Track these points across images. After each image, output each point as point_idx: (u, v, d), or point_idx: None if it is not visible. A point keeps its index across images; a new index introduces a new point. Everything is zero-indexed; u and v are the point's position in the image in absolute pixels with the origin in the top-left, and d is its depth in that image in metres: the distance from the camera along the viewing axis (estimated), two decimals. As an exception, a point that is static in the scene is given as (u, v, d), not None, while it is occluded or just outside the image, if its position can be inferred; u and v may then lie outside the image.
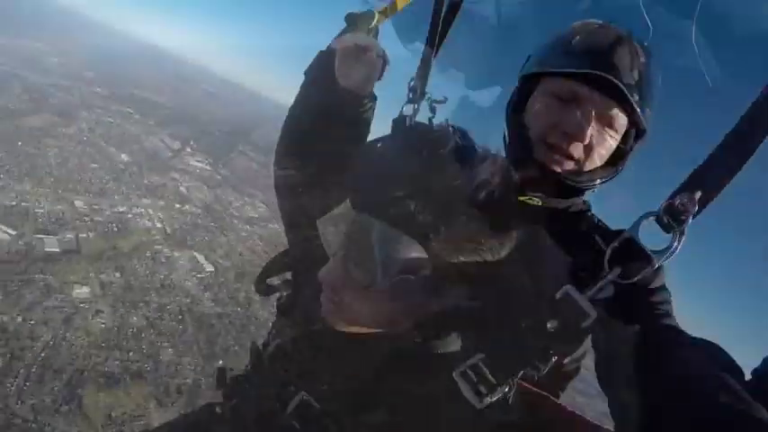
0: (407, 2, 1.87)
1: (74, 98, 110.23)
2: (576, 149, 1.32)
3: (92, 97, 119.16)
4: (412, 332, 1.13)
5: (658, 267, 1.04)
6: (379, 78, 1.54)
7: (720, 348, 0.92)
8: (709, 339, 0.96)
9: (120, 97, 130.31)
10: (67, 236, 57.45)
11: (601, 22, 1.40)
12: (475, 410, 0.96)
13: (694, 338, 0.96)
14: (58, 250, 54.14)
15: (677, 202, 0.96)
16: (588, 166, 1.36)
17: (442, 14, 1.56)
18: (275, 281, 1.64)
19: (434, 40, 1.56)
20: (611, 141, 1.35)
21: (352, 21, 1.72)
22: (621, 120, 1.32)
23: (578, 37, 1.34)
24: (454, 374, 0.98)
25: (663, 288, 1.18)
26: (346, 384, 1.16)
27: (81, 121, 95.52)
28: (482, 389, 0.96)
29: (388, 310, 1.12)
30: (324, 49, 1.58)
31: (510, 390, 0.97)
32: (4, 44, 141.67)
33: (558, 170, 1.34)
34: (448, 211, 1.02)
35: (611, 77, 1.23)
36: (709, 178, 0.97)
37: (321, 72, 1.52)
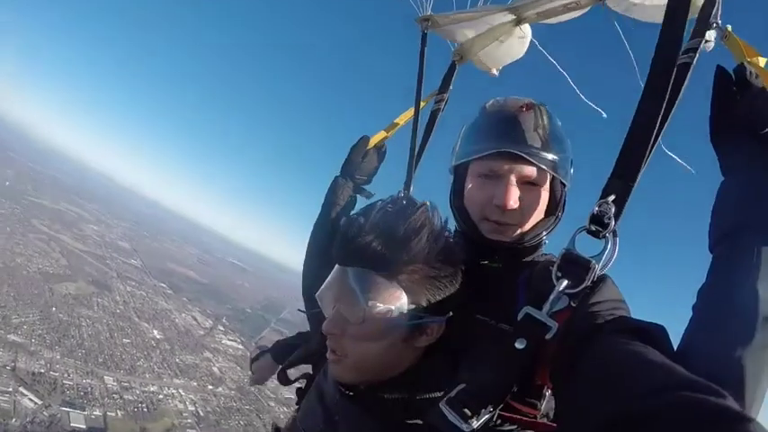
0: (406, 120, 2.36)
1: (109, 269, 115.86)
2: (512, 216, 1.49)
3: (126, 269, 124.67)
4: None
5: (602, 287, 1.25)
6: (366, 177, 2.30)
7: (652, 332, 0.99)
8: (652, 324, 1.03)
9: (154, 270, 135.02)
10: (95, 413, 56.19)
11: (505, 98, 1.62)
12: None
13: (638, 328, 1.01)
14: (84, 427, 52.73)
15: (596, 210, 1.16)
16: (529, 224, 1.53)
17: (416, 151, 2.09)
18: (295, 373, 1.90)
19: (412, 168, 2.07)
20: (539, 195, 1.52)
21: (352, 147, 2.31)
22: (540, 174, 1.49)
23: (485, 120, 1.60)
24: (440, 405, 1.08)
25: (607, 302, 1.28)
26: None
27: (115, 292, 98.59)
28: (467, 413, 1.05)
29: (383, 348, 1.28)
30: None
31: (493, 412, 1.07)
32: (48, 206, 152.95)
33: (504, 239, 1.52)
34: None
35: (511, 150, 1.46)
36: (616, 181, 1.18)
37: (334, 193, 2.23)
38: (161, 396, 63.19)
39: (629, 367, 0.80)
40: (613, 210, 1.17)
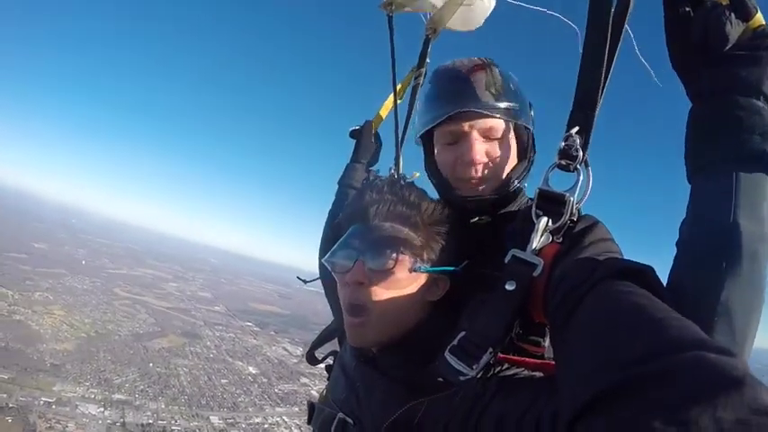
0: (388, 111, 2.53)
1: (195, 319, 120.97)
2: (480, 169, 1.58)
3: (211, 316, 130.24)
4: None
5: (590, 227, 1.36)
6: (376, 156, 2.53)
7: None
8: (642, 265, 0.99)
9: (237, 312, 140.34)
10: None
11: (452, 62, 1.72)
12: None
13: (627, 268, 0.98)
14: (198, 465, 55.82)
15: (563, 145, 1.24)
16: (502, 174, 1.62)
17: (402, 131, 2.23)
18: (322, 353, 2.10)
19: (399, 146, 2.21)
20: (506, 145, 1.61)
21: (357, 133, 2.52)
22: (498, 125, 1.58)
23: (437, 86, 1.71)
24: (445, 354, 1.14)
25: (598, 242, 1.36)
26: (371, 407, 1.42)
27: (205, 339, 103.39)
28: (469, 359, 1.11)
29: (406, 298, 1.40)
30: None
31: (493, 354, 1.11)
32: (126, 274, 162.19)
33: (483, 195, 1.61)
34: None
35: (466, 109, 1.56)
36: (577, 112, 1.25)
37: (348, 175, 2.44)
38: (266, 426, 65.46)
39: (632, 322, 0.78)
40: (579, 141, 1.23)
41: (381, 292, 1.38)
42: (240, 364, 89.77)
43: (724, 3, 1.19)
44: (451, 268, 1.43)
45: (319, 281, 2.21)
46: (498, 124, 1.58)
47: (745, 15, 1.17)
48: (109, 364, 74.68)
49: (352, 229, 1.48)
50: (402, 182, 1.56)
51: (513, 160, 1.63)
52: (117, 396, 64.38)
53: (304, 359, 2.10)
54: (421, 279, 1.41)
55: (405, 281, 1.39)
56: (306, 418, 1.76)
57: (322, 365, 2.23)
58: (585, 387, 0.72)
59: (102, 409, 59.82)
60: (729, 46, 1.17)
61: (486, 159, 1.57)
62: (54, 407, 56.67)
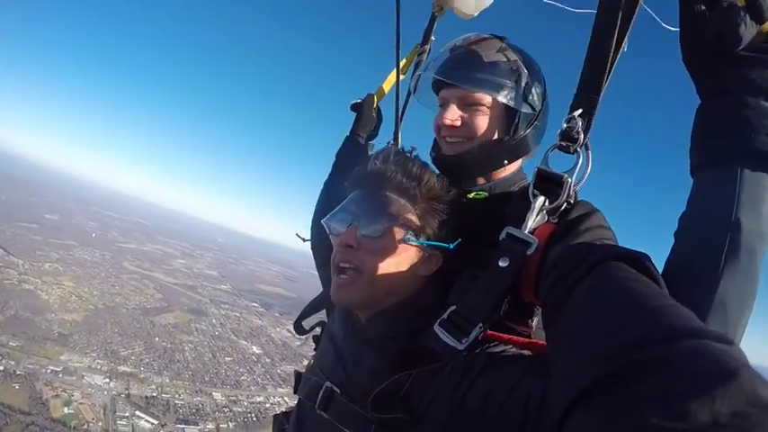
0: (391, 85, 2.49)
1: (202, 296, 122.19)
2: (453, 130, 1.65)
3: (218, 294, 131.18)
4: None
5: (586, 214, 1.32)
6: (376, 130, 2.50)
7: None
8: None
9: (243, 292, 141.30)
10: (208, 426, 59.96)
11: (461, 37, 1.75)
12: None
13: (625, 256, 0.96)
14: (200, 439, 58.20)
15: (564, 126, 1.27)
16: (477, 140, 1.65)
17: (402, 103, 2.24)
18: (310, 322, 2.05)
19: (398, 121, 2.21)
20: (485, 114, 1.64)
21: (359, 106, 2.47)
22: (481, 98, 1.62)
23: (435, 60, 1.76)
24: (435, 328, 1.17)
25: (594, 228, 1.33)
26: (359, 375, 1.42)
27: (211, 316, 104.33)
28: (459, 333, 1.14)
29: (396, 265, 1.40)
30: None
31: (483, 329, 1.14)
32: (135, 249, 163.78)
33: (453, 151, 1.67)
34: None
35: (439, 78, 1.68)
36: (581, 95, 1.27)
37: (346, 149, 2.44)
38: (268, 405, 66.08)
39: (629, 308, 0.78)
40: (580, 124, 1.25)
41: (370, 258, 1.39)
42: (244, 343, 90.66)
43: (740, 4, 1.19)
44: (445, 244, 1.41)
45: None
46: (479, 97, 1.62)
47: (760, 18, 1.18)
48: (116, 336, 76.00)
49: (352, 195, 1.52)
50: (408, 154, 1.57)
51: (491, 132, 1.66)
52: (122, 368, 65.62)
53: (308, 341, 2.09)
54: (412, 251, 1.42)
55: (395, 250, 1.39)
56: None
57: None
58: (583, 373, 0.71)
59: (107, 380, 61.06)
60: (742, 47, 1.18)
61: (458, 123, 1.64)
62: (60, 376, 57.88)
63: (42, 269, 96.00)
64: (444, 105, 1.68)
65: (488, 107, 1.63)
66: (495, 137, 1.66)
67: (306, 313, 2.06)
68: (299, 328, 2.03)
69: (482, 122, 1.64)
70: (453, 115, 1.63)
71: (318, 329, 2.01)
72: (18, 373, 54.61)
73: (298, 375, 1.74)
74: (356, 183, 1.54)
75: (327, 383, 1.46)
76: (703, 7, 1.24)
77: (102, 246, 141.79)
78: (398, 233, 1.39)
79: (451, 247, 1.41)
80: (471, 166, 1.67)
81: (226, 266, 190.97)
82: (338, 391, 1.43)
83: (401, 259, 1.40)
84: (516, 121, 1.67)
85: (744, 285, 1.04)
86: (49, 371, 57.71)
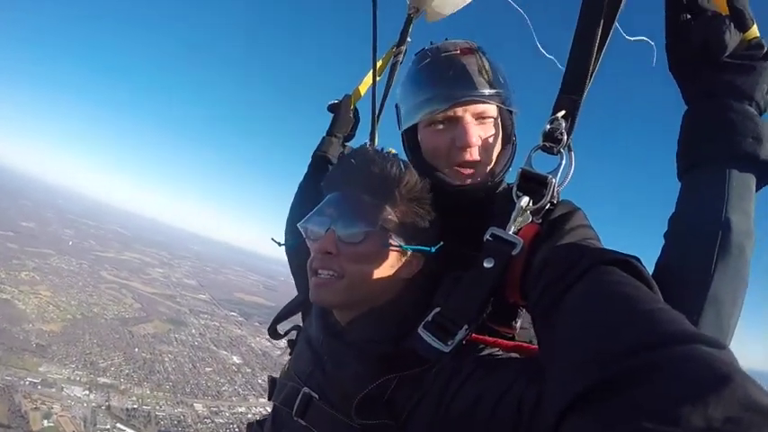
0: (367, 87, 2.46)
1: (181, 306, 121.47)
2: (475, 152, 1.56)
3: (197, 304, 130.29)
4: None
5: (569, 213, 1.37)
6: (353, 131, 2.45)
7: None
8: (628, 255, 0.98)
9: (222, 301, 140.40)
10: None
11: (437, 46, 1.69)
12: None
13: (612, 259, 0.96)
14: (182, 451, 57.39)
15: (547, 127, 1.25)
16: (492, 157, 1.61)
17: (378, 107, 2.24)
18: (286, 326, 2.00)
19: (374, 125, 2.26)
20: (492, 128, 1.60)
21: (336, 107, 2.44)
22: (490, 110, 1.58)
23: (427, 71, 1.66)
24: (419, 330, 1.14)
25: (577, 228, 1.36)
26: (338, 381, 1.38)
27: (190, 326, 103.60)
28: (444, 335, 1.11)
29: (376, 270, 1.36)
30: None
31: (468, 331, 1.12)
32: (113, 257, 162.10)
33: (475, 181, 1.59)
34: None
35: (466, 98, 1.54)
36: (564, 96, 1.26)
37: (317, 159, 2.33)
38: (249, 415, 65.46)
39: (622, 313, 0.78)
40: (564, 125, 1.25)
41: (350, 264, 1.35)
42: (224, 353, 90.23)
43: (724, 13, 1.28)
44: (425, 248, 1.40)
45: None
46: (490, 108, 1.59)
47: (743, 27, 1.26)
48: (95, 347, 75.06)
49: (329, 197, 1.47)
50: (387, 154, 1.53)
51: (499, 144, 1.64)
52: (102, 379, 64.90)
53: (286, 351, 2.00)
54: (392, 255, 1.39)
55: (374, 255, 1.37)
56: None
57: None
58: (577, 379, 0.71)
59: (87, 392, 60.41)
60: (726, 54, 1.27)
61: (479, 142, 1.56)
62: (39, 387, 57.04)
63: (19, 278, 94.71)
64: (455, 122, 1.57)
65: (494, 118, 1.62)
66: (500, 150, 1.66)
67: (281, 317, 2.02)
68: (274, 333, 2.01)
69: (496, 137, 1.63)
70: (475, 133, 1.56)
71: (294, 334, 1.99)
72: (-5, 384, 53.53)
73: (272, 381, 1.74)
74: (333, 184, 1.50)
75: (305, 389, 1.42)
76: (688, 16, 1.31)
77: (79, 254, 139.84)
78: (378, 237, 1.36)
79: (433, 250, 1.40)
80: (487, 195, 1.63)
81: (204, 275, 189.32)
82: (317, 396, 1.40)
83: (382, 264, 1.37)
84: (512, 127, 1.69)
85: (735, 281, 1.11)
86: (27, 382, 56.94)
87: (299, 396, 1.42)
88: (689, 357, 0.62)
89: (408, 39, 2.41)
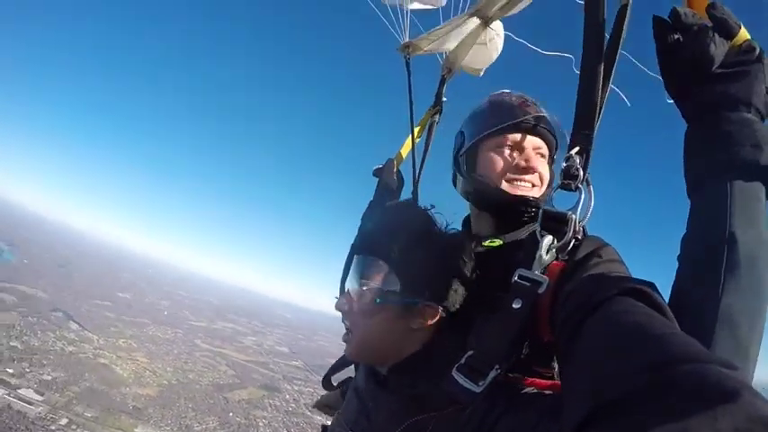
0: (408, 149, 2.68)
1: (274, 372, 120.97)
2: (534, 178, 1.79)
3: (290, 370, 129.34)
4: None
5: (596, 250, 1.42)
6: (398, 192, 2.60)
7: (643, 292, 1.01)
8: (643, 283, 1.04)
9: (315, 367, 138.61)
10: None
11: (510, 92, 1.93)
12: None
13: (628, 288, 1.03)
14: None
15: (564, 165, 1.34)
16: (542, 189, 1.81)
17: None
18: (340, 378, 2.17)
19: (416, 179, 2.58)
20: (547, 166, 1.83)
21: (380, 171, 2.61)
22: (546, 150, 1.82)
23: (495, 104, 1.91)
24: (453, 373, 1.22)
25: (603, 262, 1.40)
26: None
27: (284, 392, 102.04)
28: (476, 376, 1.19)
29: (378, 324, 1.48)
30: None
31: (499, 371, 1.19)
32: (206, 327, 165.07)
33: (525, 194, 1.77)
34: None
35: (537, 124, 1.80)
36: (577, 133, 1.34)
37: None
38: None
39: (635, 338, 0.83)
40: (578, 161, 1.32)
41: (356, 319, 1.50)
42: (319, 418, 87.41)
43: (709, 24, 1.26)
44: (411, 301, 1.44)
45: None
46: (544, 146, 1.82)
47: (728, 34, 1.25)
48: (189, 411, 75.21)
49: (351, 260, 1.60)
50: (403, 207, 1.76)
51: (547, 182, 1.84)
52: (198, 443, 63.73)
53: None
54: (391, 309, 1.46)
55: (371, 310, 1.47)
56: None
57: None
58: (589, 398, 0.75)
59: (182, 454, 59.16)
60: (716, 65, 1.23)
61: (539, 170, 1.79)
62: (135, 448, 56.43)
63: (117, 345, 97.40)
64: (519, 149, 1.80)
65: (546, 158, 1.84)
66: (545, 188, 1.83)
67: (334, 369, 2.21)
68: (328, 384, 2.19)
69: (547, 174, 1.83)
70: (536, 159, 1.80)
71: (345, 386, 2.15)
72: (93, 443, 53.44)
73: (324, 429, 1.94)
74: (355, 247, 1.62)
75: None
76: (676, 36, 1.27)
77: (174, 323, 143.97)
78: (370, 294, 1.47)
79: (417, 302, 1.44)
80: (534, 211, 1.76)
81: (296, 342, 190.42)
82: None
83: (380, 317, 1.46)
84: (552, 173, 1.87)
85: (749, 296, 1.05)
86: (123, 443, 56.43)
87: None
88: (698, 374, 0.64)
89: (444, 99, 2.62)
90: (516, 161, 1.76)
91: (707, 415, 0.56)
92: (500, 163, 1.79)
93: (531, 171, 1.76)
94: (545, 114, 1.81)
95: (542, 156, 1.81)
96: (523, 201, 1.74)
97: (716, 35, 1.21)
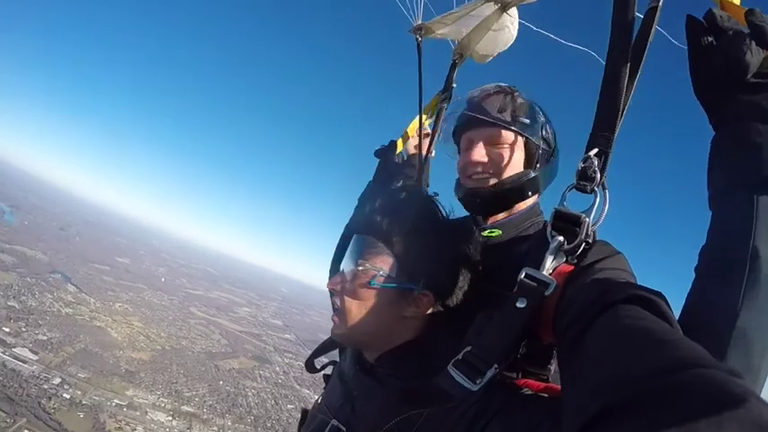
0: (415, 129, 2.64)
1: (266, 344, 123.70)
2: (480, 166, 1.83)
3: (282, 343, 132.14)
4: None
5: (606, 257, 1.37)
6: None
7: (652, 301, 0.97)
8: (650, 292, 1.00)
9: (307, 342, 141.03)
10: None
11: (482, 87, 1.97)
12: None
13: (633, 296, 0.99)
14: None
15: (581, 166, 1.29)
16: (503, 175, 1.84)
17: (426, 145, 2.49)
18: (323, 360, 2.10)
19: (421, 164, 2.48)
20: (506, 152, 1.84)
21: (383, 152, 2.69)
22: (506, 137, 1.83)
23: (455, 110, 2.04)
24: (448, 368, 1.19)
25: (611, 269, 1.34)
26: (367, 415, 1.47)
27: (275, 364, 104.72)
28: (473, 373, 1.16)
29: (370, 307, 1.46)
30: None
31: (497, 371, 1.16)
32: (202, 295, 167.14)
33: (479, 185, 1.85)
34: None
35: (470, 114, 1.88)
36: (596, 134, 1.29)
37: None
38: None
39: (640, 343, 0.81)
40: (596, 163, 1.27)
41: (348, 301, 1.47)
42: (307, 392, 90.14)
43: (745, 31, 1.20)
44: (409, 286, 1.44)
45: None
46: (503, 135, 1.83)
47: (766, 42, 1.18)
48: (181, 377, 77.34)
49: (348, 240, 1.61)
50: (405, 191, 1.77)
51: (517, 167, 1.85)
52: (186, 408, 66.49)
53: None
54: (385, 293, 1.45)
55: (364, 293, 1.45)
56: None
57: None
58: (593, 402, 0.74)
59: (170, 419, 61.92)
60: (750, 74, 1.18)
61: (485, 160, 1.83)
62: (125, 410, 59.01)
63: (113, 308, 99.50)
64: (470, 146, 1.87)
65: (511, 145, 1.84)
66: (518, 170, 1.86)
67: (318, 352, 2.11)
68: (311, 367, 2.07)
69: (507, 160, 1.83)
70: (480, 153, 1.83)
71: (330, 369, 2.06)
72: (83, 402, 55.91)
73: (304, 413, 1.92)
74: (351, 226, 1.65)
75: (333, 421, 1.50)
76: (710, 39, 1.23)
77: (170, 290, 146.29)
78: (365, 276, 1.45)
79: (415, 288, 1.44)
80: (497, 198, 1.85)
81: (290, 316, 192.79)
82: (344, 429, 1.47)
83: (373, 301, 1.45)
84: (536, 158, 1.87)
85: (766, 316, 1.03)
86: (114, 404, 58.97)
87: (328, 428, 1.51)
88: (704, 379, 0.64)
89: (453, 84, 2.49)
90: (467, 158, 1.84)
91: (713, 420, 0.56)
92: (461, 163, 1.90)
93: (479, 164, 1.81)
94: (503, 111, 1.84)
95: (497, 144, 1.82)
96: (471, 193, 1.86)
97: (753, 42, 1.16)
